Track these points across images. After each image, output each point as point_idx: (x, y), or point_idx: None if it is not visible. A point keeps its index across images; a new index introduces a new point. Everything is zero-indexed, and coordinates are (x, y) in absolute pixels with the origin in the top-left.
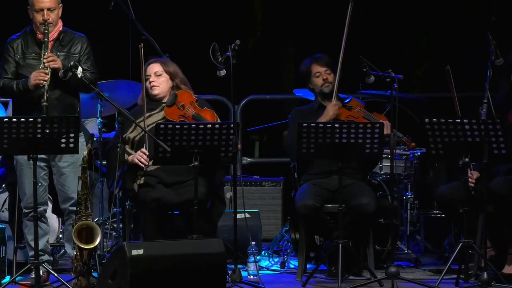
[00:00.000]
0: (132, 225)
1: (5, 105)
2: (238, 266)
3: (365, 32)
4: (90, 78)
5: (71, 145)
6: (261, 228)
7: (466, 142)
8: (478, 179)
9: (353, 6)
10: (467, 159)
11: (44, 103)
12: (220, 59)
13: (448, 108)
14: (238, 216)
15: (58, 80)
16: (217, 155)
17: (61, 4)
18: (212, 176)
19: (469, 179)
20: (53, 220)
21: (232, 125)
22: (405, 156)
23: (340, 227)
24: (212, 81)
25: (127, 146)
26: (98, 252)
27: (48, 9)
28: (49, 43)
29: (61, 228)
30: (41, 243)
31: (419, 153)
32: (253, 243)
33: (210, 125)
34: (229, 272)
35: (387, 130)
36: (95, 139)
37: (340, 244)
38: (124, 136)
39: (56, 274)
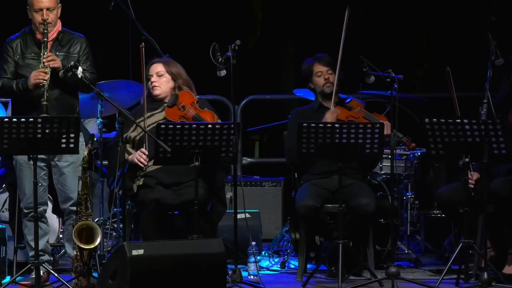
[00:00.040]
0: (132, 225)
1: (5, 105)
2: (239, 266)
3: (365, 32)
4: (89, 78)
5: (71, 145)
6: (261, 228)
7: (466, 142)
8: (478, 180)
9: (349, 13)
10: (467, 159)
11: (44, 102)
12: (220, 59)
13: (448, 108)
14: (238, 216)
15: (57, 80)
16: (217, 155)
17: (60, 4)
18: (211, 178)
19: (469, 180)
20: (53, 220)
21: (232, 125)
22: (405, 156)
23: (340, 227)
24: (212, 81)
25: (128, 145)
26: (98, 252)
27: (48, 9)
28: (48, 43)
29: (61, 228)
30: (41, 243)
31: (419, 153)
32: (253, 243)
33: (210, 125)
34: (229, 272)
35: (387, 130)
36: (95, 139)
37: (340, 244)
38: (125, 135)
39: (56, 274)
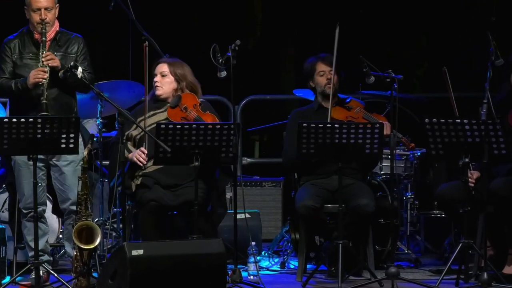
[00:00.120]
0: (132, 225)
1: (5, 105)
2: (238, 266)
3: (365, 32)
4: (88, 78)
5: (71, 145)
6: (261, 229)
7: (466, 142)
8: (478, 179)
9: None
10: (467, 160)
11: (44, 101)
12: (220, 60)
13: (448, 108)
14: (238, 216)
15: (55, 80)
16: (217, 156)
17: (57, 4)
18: (210, 179)
19: (469, 179)
20: (53, 220)
21: (232, 125)
22: (405, 157)
23: (340, 227)
24: (212, 82)
25: (129, 143)
26: (98, 252)
27: (45, 9)
28: (46, 43)
29: (60, 228)
30: (41, 243)
31: (419, 154)
32: (253, 243)
33: (210, 126)
34: (229, 272)
35: (387, 131)
36: (95, 139)
37: (340, 244)
38: (127, 133)
39: (56, 274)
